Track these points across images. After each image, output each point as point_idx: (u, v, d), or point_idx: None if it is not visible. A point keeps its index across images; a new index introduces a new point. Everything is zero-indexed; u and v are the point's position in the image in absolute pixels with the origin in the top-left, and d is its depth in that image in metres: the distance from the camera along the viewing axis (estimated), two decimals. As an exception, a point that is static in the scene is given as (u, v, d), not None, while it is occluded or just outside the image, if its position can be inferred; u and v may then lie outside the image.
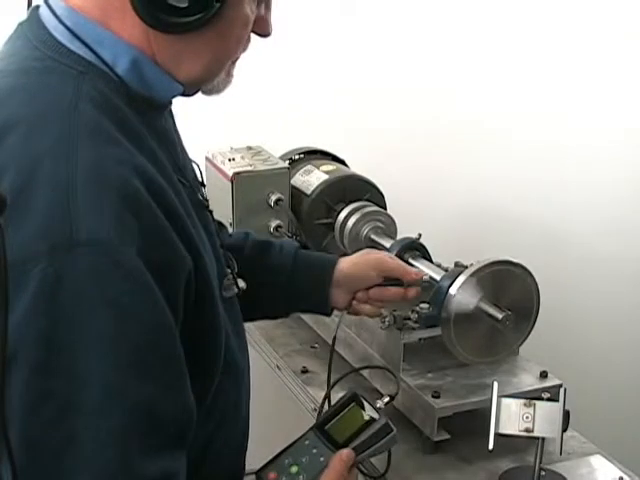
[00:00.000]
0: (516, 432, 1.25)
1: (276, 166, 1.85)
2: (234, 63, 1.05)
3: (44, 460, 0.82)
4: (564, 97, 2.38)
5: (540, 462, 1.26)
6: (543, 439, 1.25)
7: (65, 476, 0.82)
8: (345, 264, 1.38)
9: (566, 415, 1.24)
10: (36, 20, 0.97)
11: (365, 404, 1.15)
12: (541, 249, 2.33)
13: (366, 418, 1.13)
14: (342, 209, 1.84)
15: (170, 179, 0.96)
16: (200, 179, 1.16)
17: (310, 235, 1.91)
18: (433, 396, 1.40)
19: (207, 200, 1.11)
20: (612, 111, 2.35)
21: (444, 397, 1.40)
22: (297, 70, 2.16)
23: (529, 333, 1.48)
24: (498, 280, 1.43)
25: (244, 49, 1.04)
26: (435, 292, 1.46)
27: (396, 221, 1.82)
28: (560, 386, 1.42)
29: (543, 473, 1.28)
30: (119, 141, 0.90)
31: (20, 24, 1.00)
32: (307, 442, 1.13)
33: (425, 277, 1.42)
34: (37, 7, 0.99)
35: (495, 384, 1.28)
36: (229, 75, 1.05)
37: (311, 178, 1.91)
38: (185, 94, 1.04)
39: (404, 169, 2.33)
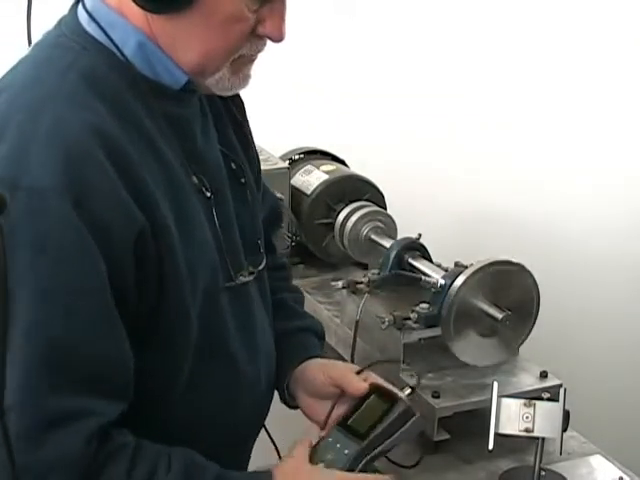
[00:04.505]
0: (516, 432, 1.25)
1: (276, 166, 1.85)
2: (247, 63, 1.07)
3: None
4: (564, 99, 2.38)
5: (540, 462, 1.26)
6: (543, 439, 1.25)
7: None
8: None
9: (566, 415, 1.24)
10: (73, 11, 1.07)
11: (385, 393, 1.15)
12: (541, 249, 2.33)
13: (386, 406, 1.12)
14: (342, 209, 1.84)
15: (160, 157, 1.03)
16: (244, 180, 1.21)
17: (310, 235, 1.91)
18: (433, 396, 1.39)
19: (210, 189, 1.12)
20: (612, 112, 2.35)
21: (444, 397, 1.40)
22: (298, 70, 2.16)
23: (529, 333, 1.48)
24: (498, 280, 1.43)
25: (256, 50, 1.06)
26: (435, 292, 1.46)
27: (396, 221, 1.82)
28: (560, 386, 1.42)
29: (543, 473, 1.28)
30: (93, 108, 0.98)
31: (64, 15, 1.09)
32: (330, 439, 1.13)
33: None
34: (79, 1, 1.07)
35: (495, 384, 1.28)
36: (238, 73, 1.07)
37: (311, 178, 1.91)
38: (195, 88, 1.09)
39: (404, 169, 2.33)
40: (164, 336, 1.05)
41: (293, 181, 1.91)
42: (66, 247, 0.93)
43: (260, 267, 1.22)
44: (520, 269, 1.44)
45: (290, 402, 1.29)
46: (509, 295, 1.43)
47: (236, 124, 1.24)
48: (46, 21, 1.08)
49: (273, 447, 1.32)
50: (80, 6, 1.06)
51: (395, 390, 1.18)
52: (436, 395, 1.39)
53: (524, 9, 2.34)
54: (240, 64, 1.06)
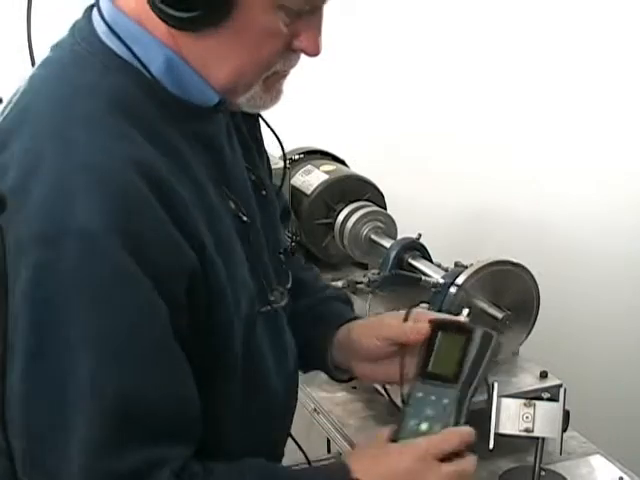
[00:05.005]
0: (516, 432, 1.24)
1: (276, 166, 1.85)
2: (279, 79, 1.01)
3: (39, 444, 0.86)
4: (566, 98, 2.38)
5: (540, 462, 1.26)
6: (543, 439, 1.25)
7: (56, 459, 0.85)
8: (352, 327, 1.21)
9: (566, 415, 1.24)
10: (87, 17, 0.99)
11: (451, 325, 1.08)
12: (541, 249, 2.33)
13: (463, 338, 1.04)
14: (342, 209, 1.84)
15: (196, 181, 0.96)
16: (265, 192, 1.15)
17: (310, 235, 1.91)
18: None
19: (245, 214, 1.06)
20: (613, 112, 2.35)
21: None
22: (297, 70, 2.16)
23: (529, 333, 1.48)
24: (498, 280, 1.43)
25: (290, 65, 1.00)
26: (435, 292, 1.46)
27: (396, 221, 1.82)
28: (560, 386, 1.42)
29: (543, 473, 1.28)
30: (129, 137, 0.90)
31: (77, 20, 1.01)
32: (420, 394, 1.04)
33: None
34: (93, 5, 1.00)
35: (495, 384, 1.27)
36: (270, 90, 1.01)
37: (311, 178, 1.91)
38: (224, 108, 1.03)
39: (404, 169, 2.33)
40: (212, 373, 0.98)
41: (293, 181, 1.91)
42: (123, 296, 0.86)
43: (288, 285, 1.15)
44: (520, 269, 1.44)
45: (340, 376, 1.24)
46: (509, 295, 1.43)
47: (250, 127, 1.17)
48: (46, 21, 1.08)
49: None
50: (95, 14, 0.98)
51: (454, 318, 1.11)
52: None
53: (524, 8, 2.34)
54: (273, 80, 1.00)
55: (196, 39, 0.94)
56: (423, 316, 1.14)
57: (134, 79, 0.95)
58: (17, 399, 0.84)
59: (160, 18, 0.92)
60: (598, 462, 1.37)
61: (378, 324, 1.18)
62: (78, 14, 1.03)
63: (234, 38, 0.94)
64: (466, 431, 1.02)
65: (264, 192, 1.15)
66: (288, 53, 0.98)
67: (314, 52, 0.99)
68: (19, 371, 0.84)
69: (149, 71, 0.95)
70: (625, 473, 1.33)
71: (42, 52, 1.07)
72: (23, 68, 1.05)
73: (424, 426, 1.01)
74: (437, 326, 1.08)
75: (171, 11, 0.90)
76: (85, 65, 0.95)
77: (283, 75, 1.01)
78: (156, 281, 0.88)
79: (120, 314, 0.86)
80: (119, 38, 0.95)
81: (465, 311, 1.12)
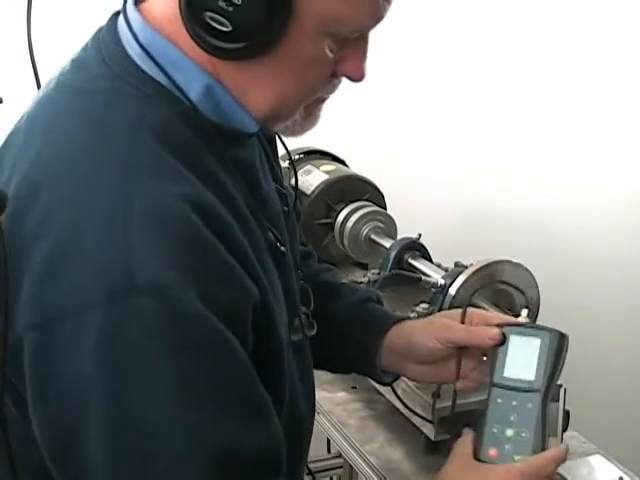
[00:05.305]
0: (516, 432, 1.25)
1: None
2: (319, 104, 0.98)
3: None
4: (566, 97, 2.38)
5: (540, 462, 1.26)
6: (543, 439, 1.25)
7: None
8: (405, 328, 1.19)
9: (566, 415, 1.24)
10: (113, 31, 0.92)
11: (521, 326, 1.06)
12: (541, 249, 2.33)
13: (536, 341, 1.02)
14: (342, 209, 1.84)
15: (240, 213, 0.92)
16: (287, 208, 1.11)
17: (310, 235, 1.91)
18: (433, 396, 1.39)
19: (281, 242, 1.02)
20: (612, 112, 2.35)
21: (444, 397, 1.40)
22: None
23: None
24: (498, 280, 1.43)
25: (332, 90, 0.97)
26: (435, 292, 1.46)
27: (396, 221, 1.82)
28: (560, 386, 1.42)
29: (543, 473, 1.28)
30: (179, 174, 0.85)
31: (99, 30, 0.94)
32: (499, 400, 1.02)
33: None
34: (117, 14, 0.93)
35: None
36: (310, 116, 0.98)
37: (311, 178, 1.91)
38: (263, 134, 1.00)
39: (404, 169, 2.33)
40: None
41: (293, 181, 1.91)
42: (203, 347, 0.81)
43: (311, 307, 1.12)
44: (520, 269, 1.44)
45: (386, 379, 1.23)
46: (509, 295, 1.43)
47: (269, 140, 1.14)
48: (46, 21, 1.07)
49: None
50: (122, 28, 0.91)
51: (517, 319, 1.07)
52: (436, 395, 1.39)
53: (524, 9, 2.35)
54: (313, 107, 0.97)
55: (239, 68, 0.89)
56: (478, 317, 1.12)
57: (172, 105, 0.89)
58: (100, 468, 0.79)
59: (202, 48, 0.86)
60: (598, 462, 1.37)
61: (439, 326, 1.15)
62: (78, 14, 1.02)
63: (280, 67, 0.89)
64: (561, 452, 0.99)
65: (286, 208, 1.11)
66: (331, 79, 0.95)
67: (360, 78, 0.95)
68: (96, 437, 0.79)
69: (187, 97, 0.89)
70: (625, 473, 1.33)
71: (42, 52, 1.07)
72: (23, 68, 1.05)
73: (509, 432, 0.99)
74: (507, 329, 1.07)
75: (215, 42, 0.85)
76: (125, 95, 0.88)
77: (322, 100, 0.99)
78: (228, 320, 0.83)
79: (203, 363, 0.81)
80: (158, 65, 0.89)
81: (524, 312, 1.11)
